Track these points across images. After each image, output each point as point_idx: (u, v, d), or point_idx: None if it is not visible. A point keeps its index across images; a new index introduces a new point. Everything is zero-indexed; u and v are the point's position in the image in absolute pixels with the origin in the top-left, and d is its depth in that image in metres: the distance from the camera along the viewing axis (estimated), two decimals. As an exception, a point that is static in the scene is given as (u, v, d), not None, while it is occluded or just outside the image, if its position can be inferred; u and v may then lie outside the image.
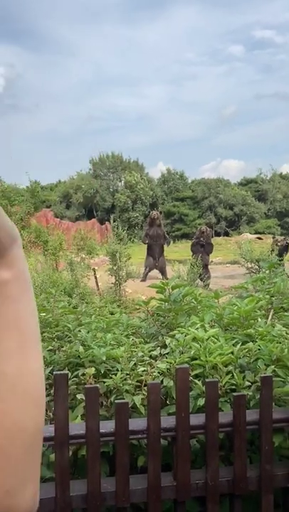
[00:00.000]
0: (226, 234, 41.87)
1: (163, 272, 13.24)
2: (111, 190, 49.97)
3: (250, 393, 1.91)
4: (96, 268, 11.86)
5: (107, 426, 1.66)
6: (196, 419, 1.72)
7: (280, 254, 11.28)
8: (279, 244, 12.28)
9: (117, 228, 11.34)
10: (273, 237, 13.45)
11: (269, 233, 38.29)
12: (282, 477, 1.78)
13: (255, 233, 35.17)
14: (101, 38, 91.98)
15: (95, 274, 11.18)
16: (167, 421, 1.71)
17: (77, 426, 1.67)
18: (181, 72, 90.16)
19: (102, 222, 38.72)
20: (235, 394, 1.75)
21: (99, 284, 11.00)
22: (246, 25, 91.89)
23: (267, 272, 3.48)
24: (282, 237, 13.51)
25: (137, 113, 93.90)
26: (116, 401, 1.67)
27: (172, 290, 2.76)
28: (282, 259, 10.34)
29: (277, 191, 51.57)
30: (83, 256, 11.31)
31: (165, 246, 13.79)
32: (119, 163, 51.36)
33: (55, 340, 2.72)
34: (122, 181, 49.74)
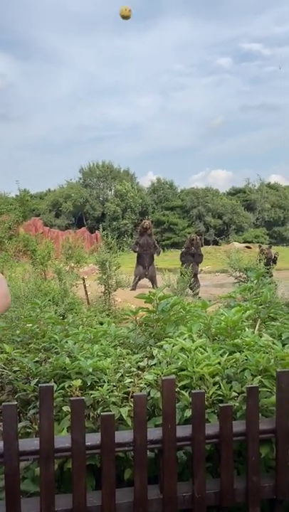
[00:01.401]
0: (215, 243, 42.08)
1: (153, 280, 13.24)
2: (101, 199, 50.04)
3: (237, 404, 1.90)
4: (85, 277, 11.80)
5: (93, 438, 1.65)
6: (183, 431, 1.71)
7: (267, 264, 11.37)
8: (265, 253, 12.38)
9: (107, 237, 11.33)
10: (259, 247, 13.53)
11: (257, 242, 38.59)
12: (269, 488, 1.77)
13: (244, 242, 35.43)
14: (92, 48, 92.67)
15: (84, 283, 11.13)
16: (154, 433, 1.70)
17: (62, 439, 1.65)
18: (171, 82, 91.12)
19: (92, 230, 38.68)
20: (221, 405, 1.74)
21: (88, 293, 10.95)
22: (234, 38, 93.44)
23: (254, 281, 3.51)
24: (267, 247, 13.61)
25: (127, 123, 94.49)
26: (102, 413, 1.66)
27: (160, 300, 2.76)
28: (269, 269, 10.41)
29: (266, 201, 52.10)
30: (72, 265, 11.25)
31: (155, 255, 13.80)
32: (109, 172, 51.51)
33: (42, 351, 2.69)
34: (112, 190, 49.86)
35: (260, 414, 1.82)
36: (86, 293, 10.95)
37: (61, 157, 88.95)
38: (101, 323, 4.12)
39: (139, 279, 13.42)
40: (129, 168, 54.49)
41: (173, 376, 1.85)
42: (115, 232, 41.89)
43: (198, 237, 14.31)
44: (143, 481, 1.66)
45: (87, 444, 1.62)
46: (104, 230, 12.63)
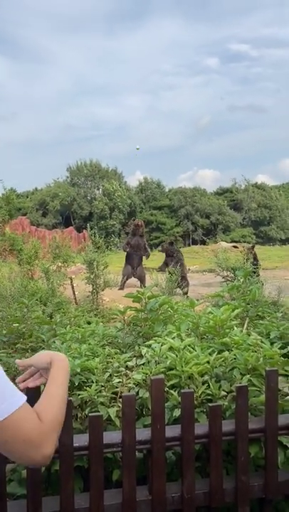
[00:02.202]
0: (203, 242, 42.24)
1: (142, 280, 13.22)
2: (88, 198, 49.83)
3: (226, 403, 1.89)
4: (73, 277, 11.73)
5: (81, 439, 1.62)
6: (172, 431, 1.70)
7: (254, 263, 11.44)
8: (251, 252, 12.47)
9: (95, 236, 11.27)
10: (243, 247, 13.59)
11: (244, 242, 38.89)
12: (258, 488, 1.77)
13: (231, 242, 35.65)
14: (80, 48, 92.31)
15: (71, 282, 11.05)
16: (142, 433, 1.68)
17: (49, 440, 1.62)
18: (159, 82, 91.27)
19: (79, 230, 38.50)
20: (210, 404, 1.73)
21: (76, 293, 10.88)
22: (223, 39, 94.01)
23: (242, 280, 3.51)
24: (250, 245, 13.70)
25: (115, 122, 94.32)
26: (90, 414, 1.63)
27: (148, 300, 2.74)
28: (257, 268, 10.48)
29: (252, 201, 52.49)
30: (59, 264, 11.18)
31: (144, 258, 13.79)
32: (97, 172, 51.32)
33: (29, 351, 2.66)
34: (100, 189, 49.69)
35: (249, 414, 1.81)
36: (74, 292, 10.88)
37: (49, 156, 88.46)
38: (89, 323, 4.09)
39: (127, 279, 13.38)
40: (117, 167, 54.41)
41: (162, 376, 1.83)
42: (103, 231, 41.78)
43: (168, 245, 13.98)
44: (131, 482, 1.64)
45: (74, 445, 1.60)
46: (91, 229, 12.56)
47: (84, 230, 33.39)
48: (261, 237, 50.58)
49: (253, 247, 13.48)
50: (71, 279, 11.13)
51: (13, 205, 11.14)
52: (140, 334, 2.79)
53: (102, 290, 10.46)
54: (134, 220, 15.86)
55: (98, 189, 50.46)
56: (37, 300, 9.31)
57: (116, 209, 46.55)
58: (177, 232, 47.70)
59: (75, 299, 10.73)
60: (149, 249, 14.20)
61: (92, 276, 10.28)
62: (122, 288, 12.54)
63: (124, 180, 53.04)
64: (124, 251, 13.89)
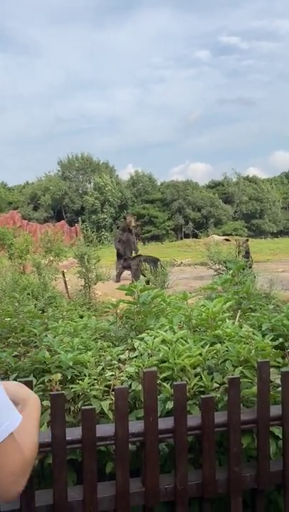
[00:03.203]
0: (195, 235, 42.32)
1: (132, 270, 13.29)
2: (80, 191, 49.59)
3: (219, 395, 1.90)
4: (65, 271, 11.69)
5: (74, 433, 1.62)
6: (165, 423, 1.70)
7: (246, 257, 11.49)
8: (243, 246, 12.53)
9: (87, 230, 11.22)
10: (236, 241, 13.64)
11: (236, 235, 39.01)
12: (251, 478, 1.78)
13: (223, 235, 35.75)
14: (70, 41, 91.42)
15: (63, 276, 11.02)
16: (135, 426, 1.68)
17: (43, 434, 1.61)
18: (150, 75, 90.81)
19: (71, 224, 38.33)
20: (203, 396, 1.74)
21: (68, 287, 10.85)
22: (213, 31, 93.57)
23: (234, 272, 3.52)
24: (244, 240, 13.73)
25: (105, 116, 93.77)
26: (82, 407, 1.63)
27: (141, 293, 2.74)
28: (248, 261, 10.52)
29: (243, 194, 52.60)
30: (51, 258, 11.13)
31: (134, 253, 13.89)
32: (88, 165, 51.04)
33: (21, 345, 2.64)
34: (92, 183, 49.45)
35: (241, 405, 1.82)
36: (66, 286, 10.85)
37: (39, 150, 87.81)
38: (81, 317, 4.08)
39: (121, 272, 13.45)
40: (109, 160, 54.22)
41: (154, 368, 1.84)
42: (94, 225, 41.63)
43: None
44: (125, 474, 1.65)
45: (67, 438, 1.59)
46: (83, 222, 12.52)
47: (76, 224, 33.27)
48: (253, 230, 50.80)
49: (247, 240, 13.53)
50: (63, 273, 11.10)
51: (3, 198, 11.04)
52: (133, 327, 2.79)
53: (95, 284, 10.45)
54: (126, 214, 15.86)
55: (90, 183, 50.23)
56: (29, 294, 9.28)
57: (107, 203, 46.39)
58: (168, 226, 47.72)
59: (68, 292, 10.71)
60: (137, 247, 14.29)
61: (84, 270, 10.26)
62: (118, 280, 12.59)
63: (116, 174, 52.87)
64: (116, 248, 13.94)
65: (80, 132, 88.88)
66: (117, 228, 27.93)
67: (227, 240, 27.52)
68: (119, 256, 13.68)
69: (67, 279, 11.02)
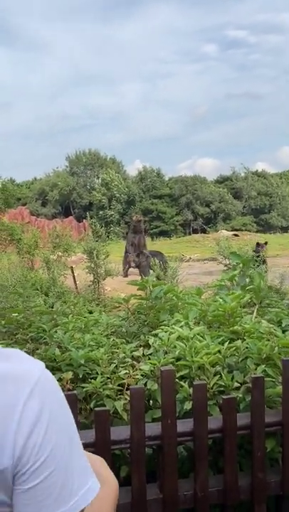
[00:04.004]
0: (203, 231, 42.08)
1: (142, 269, 13.21)
2: (88, 187, 49.54)
3: (240, 395, 1.78)
4: (74, 266, 11.61)
5: (87, 436, 1.51)
6: (184, 426, 1.59)
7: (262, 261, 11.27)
8: (262, 249, 12.34)
9: (95, 225, 11.13)
10: (258, 245, 13.20)
11: (245, 230, 38.71)
12: (275, 484, 1.67)
13: (232, 230, 35.48)
14: (76, 36, 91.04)
15: (72, 272, 10.94)
16: (152, 428, 1.57)
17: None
18: (157, 70, 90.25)
19: (79, 219, 38.31)
20: (225, 397, 1.62)
21: (77, 283, 10.77)
22: (220, 25, 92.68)
23: (241, 267, 3.39)
24: (263, 242, 13.42)
25: (112, 111, 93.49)
26: (95, 409, 1.52)
27: (153, 287, 2.62)
28: (259, 256, 10.30)
29: (252, 189, 52.17)
30: (60, 254, 11.05)
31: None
32: (96, 161, 50.93)
33: (30, 341, 2.54)
34: (99, 178, 49.36)
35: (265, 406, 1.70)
36: (75, 282, 10.78)
37: (47, 145, 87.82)
38: (90, 312, 3.97)
39: (129, 267, 13.37)
40: (116, 156, 54.01)
41: (172, 367, 1.72)
42: (102, 221, 41.57)
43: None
44: (141, 480, 1.54)
45: (80, 442, 1.49)
46: (91, 218, 12.44)
47: (84, 220, 33.24)
48: (262, 225, 50.39)
49: (265, 243, 13.22)
50: (72, 268, 11.02)
51: (10, 193, 10.96)
52: (145, 323, 2.67)
53: (104, 279, 10.37)
54: (133, 215, 15.86)
55: (98, 178, 50.13)
56: (38, 290, 9.22)
57: (114, 199, 46.29)
58: (177, 221, 47.54)
59: (77, 288, 10.64)
60: (146, 250, 14.29)
61: (92, 266, 10.18)
62: (126, 275, 12.52)
63: (123, 169, 52.70)
64: (127, 250, 13.96)
65: (88, 127, 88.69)
66: (126, 223, 27.66)
67: (236, 235, 27.31)
68: (126, 253, 13.64)
69: (76, 274, 10.95)
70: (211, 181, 54.15)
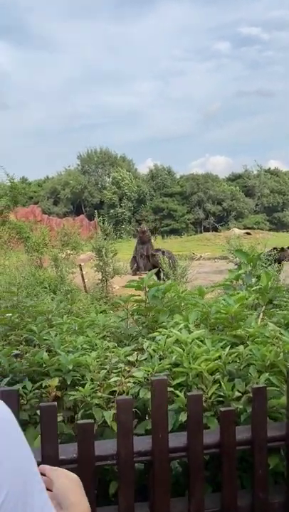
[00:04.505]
0: (215, 229, 41.74)
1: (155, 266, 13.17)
2: (99, 186, 49.52)
3: (241, 406, 1.63)
4: (82, 264, 11.52)
5: (69, 450, 1.38)
6: (177, 440, 1.44)
7: (279, 261, 11.02)
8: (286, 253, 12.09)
9: (103, 223, 11.02)
10: (281, 250, 12.75)
11: (258, 228, 38.29)
12: (279, 505, 1.51)
13: (244, 228, 35.10)
14: (89, 34, 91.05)
15: (81, 270, 10.85)
16: (142, 443, 1.43)
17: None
18: (169, 68, 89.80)
19: (90, 218, 38.30)
20: (223, 409, 1.47)
21: (85, 281, 10.68)
22: (233, 22, 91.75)
23: (248, 266, 3.22)
24: (287, 247, 13.06)
25: (125, 109, 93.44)
26: (77, 422, 1.38)
27: (149, 287, 2.47)
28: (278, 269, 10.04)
29: (264, 186, 51.59)
30: (68, 252, 10.96)
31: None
32: (107, 159, 50.87)
33: (23, 343, 2.41)
34: (111, 177, 49.31)
35: (267, 418, 1.55)
36: (83, 280, 10.69)
37: (59, 144, 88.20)
38: (100, 312, 3.81)
39: (138, 267, 13.30)
40: (127, 154, 53.89)
41: (164, 376, 1.57)
42: (113, 219, 41.48)
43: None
44: (129, 499, 1.40)
45: (60, 457, 1.35)
46: (102, 216, 12.36)
47: (95, 218, 33.22)
48: (275, 223, 49.82)
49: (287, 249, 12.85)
50: (80, 266, 10.93)
51: (18, 191, 10.89)
52: (144, 325, 2.53)
53: (112, 278, 10.26)
54: (140, 226, 15.91)
55: (109, 177, 50.07)
56: (46, 288, 9.14)
57: (124, 197, 46.18)
58: (188, 220, 47.25)
59: (85, 286, 10.55)
60: (157, 257, 14.36)
61: (101, 264, 10.08)
62: (134, 274, 12.45)
63: (134, 168, 52.55)
64: (136, 261, 13.96)
65: (100, 126, 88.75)
66: (136, 222, 27.46)
67: (248, 233, 26.97)
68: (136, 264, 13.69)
69: (84, 272, 10.85)
70: (223, 179, 53.69)
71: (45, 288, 8.82)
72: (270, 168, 55.89)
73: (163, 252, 12.77)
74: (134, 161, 54.13)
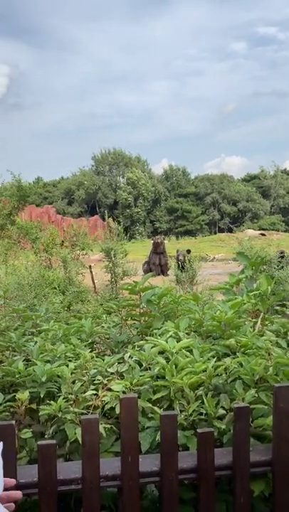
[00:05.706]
0: (230, 230, 41.32)
1: (164, 270, 13.06)
2: (113, 186, 49.54)
3: (223, 426, 1.49)
4: (93, 265, 11.45)
5: (29, 474, 1.26)
6: (149, 464, 1.32)
7: None
8: None
9: (119, 223, 10.93)
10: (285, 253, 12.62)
11: (273, 229, 37.77)
12: (263, 538, 1.37)
13: (259, 229, 34.65)
14: (105, 35, 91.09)
15: (91, 271, 10.78)
16: (110, 466, 1.30)
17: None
18: (185, 68, 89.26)
19: (105, 218, 38.27)
20: (200, 430, 1.34)
21: (95, 282, 10.60)
22: (249, 22, 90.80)
23: (250, 270, 3.06)
24: None
25: (140, 109, 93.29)
26: (38, 442, 1.26)
27: (143, 292, 2.35)
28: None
29: (281, 187, 50.91)
30: (78, 252, 10.90)
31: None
32: (121, 159, 50.88)
33: (10, 349, 2.31)
34: (125, 177, 49.31)
35: (252, 440, 1.41)
36: (93, 281, 10.60)
37: (75, 145, 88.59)
38: (109, 313, 3.68)
39: (148, 267, 13.19)
40: (142, 155, 53.82)
41: (134, 394, 1.45)
42: (128, 219, 41.42)
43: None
44: (96, 528, 1.28)
45: (20, 481, 1.24)
46: (117, 217, 12.34)
47: (109, 219, 33.19)
48: (291, 224, 49.05)
49: None
50: (90, 267, 10.86)
51: (25, 192, 10.87)
52: (138, 331, 2.41)
53: (121, 279, 10.16)
54: (155, 237, 15.92)
55: (123, 177, 50.07)
56: (55, 289, 9.08)
57: (140, 197, 46.08)
58: (203, 220, 46.92)
59: (95, 287, 10.47)
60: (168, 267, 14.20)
61: (111, 265, 10.00)
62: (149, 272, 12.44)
63: (148, 168, 52.43)
64: (144, 272, 13.94)
65: (115, 126, 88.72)
66: (151, 222, 27.29)
67: (263, 234, 26.58)
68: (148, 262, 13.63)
69: (94, 273, 10.78)
70: (238, 180, 53.18)
71: (55, 289, 8.77)
72: (285, 169, 55.12)
73: (188, 251, 12.75)
74: (148, 161, 54.04)
